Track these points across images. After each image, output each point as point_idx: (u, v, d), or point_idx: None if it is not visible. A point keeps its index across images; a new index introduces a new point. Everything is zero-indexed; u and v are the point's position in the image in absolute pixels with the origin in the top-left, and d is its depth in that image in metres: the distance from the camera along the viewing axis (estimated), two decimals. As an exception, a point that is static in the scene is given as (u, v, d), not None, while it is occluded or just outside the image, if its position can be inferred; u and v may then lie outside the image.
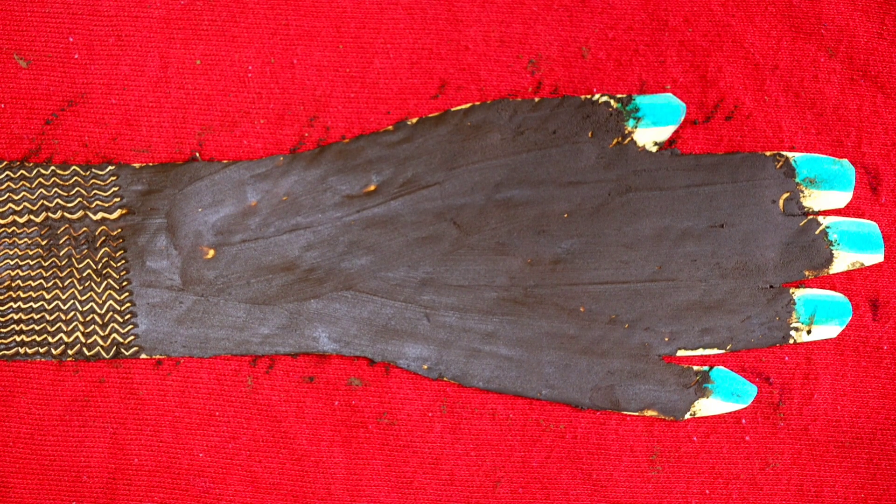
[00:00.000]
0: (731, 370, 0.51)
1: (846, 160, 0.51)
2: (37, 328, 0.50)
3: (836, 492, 0.51)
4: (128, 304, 0.50)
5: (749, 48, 0.52)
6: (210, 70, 0.52)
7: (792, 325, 0.51)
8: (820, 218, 0.51)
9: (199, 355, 0.51)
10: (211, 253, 0.51)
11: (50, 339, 0.50)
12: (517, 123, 0.51)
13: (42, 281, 0.50)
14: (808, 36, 0.52)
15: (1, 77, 0.51)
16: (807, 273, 0.51)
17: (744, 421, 0.51)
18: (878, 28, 0.52)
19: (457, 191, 0.51)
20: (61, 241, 0.51)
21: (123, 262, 0.51)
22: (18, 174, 0.51)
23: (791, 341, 0.51)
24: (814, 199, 0.51)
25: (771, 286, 0.51)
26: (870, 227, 0.51)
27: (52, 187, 0.51)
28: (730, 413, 0.51)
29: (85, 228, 0.51)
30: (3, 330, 0.50)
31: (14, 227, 0.51)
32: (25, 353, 0.50)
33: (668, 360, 0.51)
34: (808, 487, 0.51)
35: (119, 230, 0.51)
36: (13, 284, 0.50)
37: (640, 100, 0.51)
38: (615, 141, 0.51)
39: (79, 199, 0.51)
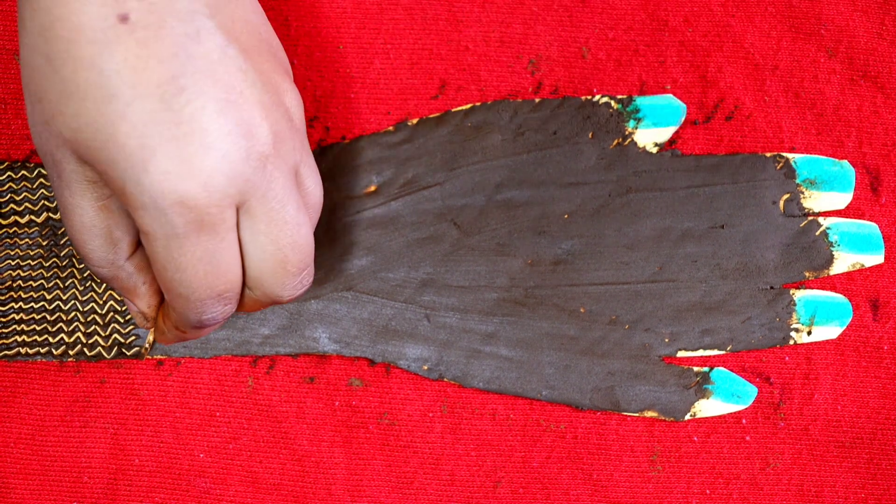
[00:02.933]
0: (732, 371, 0.51)
1: (846, 161, 0.51)
2: (38, 328, 0.50)
3: (837, 492, 0.51)
4: (128, 305, 0.51)
5: (749, 48, 0.52)
6: (210, 71, 0.52)
7: (792, 326, 0.51)
8: (820, 219, 0.51)
9: (199, 355, 0.51)
10: (211, 254, 0.51)
11: (51, 339, 0.50)
12: (518, 124, 0.51)
13: (43, 281, 0.50)
14: (808, 36, 0.52)
15: (2, 77, 0.51)
16: (807, 274, 0.51)
17: (744, 421, 0.51)
18: (878, 28, 0.52)
19: (457, 191, 0.51)
20: (62, 242, 0.51)
21: (124, 262, 0.51)
22: (20, 174, 0.51)
23: (791, 342, 0.51)
24: (814, 200, 0.51)
25: (771, 287, 0.51)
26: (870, 227, 0.51)
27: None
28: (730, 413, 0.51)
29: (86, 229, 0.51)
30: (4, 330, 0.50)
31: (15, 228, 0.51)
32: (27, 353, 0.50)
33: (669, 361, 0.51)
34: (809, 487, 0.51)
35: (120, 231, 0.51)
36: (14, 284, 0.50)
37: (641, 100, 0.51)
38: (616, 142, 0.51)
39: (79, 199, 0.51)
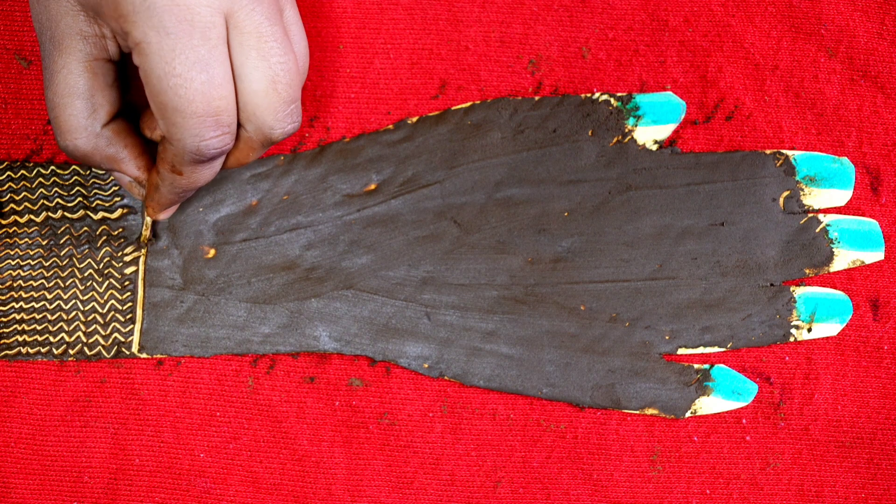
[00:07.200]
0: (732, 369, 0.51)
1: (846, 158, 0.51)
2: (38, 328, 0.50)
3: (837, 492, 0.51)
4: (129, 304, 0.51)
5: (749, 48, 0.52)
6: (211, 70, 0.52)
7: (792, 323, 0.51)
8: (820, 216, 0.51)
9: (200, 354, 0.51)
10: (212, 252, 0.51)
11: (52, 338, 0.50)
12: (517, 122, 0.51)
13: (44, 281, 0.50)
14: (808, 36, 0.52)
15: (2, 77, 0.52)
16: (807, 271, 0.51)
17: (744, 421, 0.51)
18: (878, 28, 0.52)
19: (457, 189, 0.51)
20: (62, 241, 0.51)
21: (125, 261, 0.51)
22: (19, 174, 0.51)
23: (792, 339, 0.51)
24: (814, 198, 0.51)
25: (771, 284, 0.51)
26: (870, 224, 0.51)
27: (52, 187, 0.51)
28: (730, 413, 0.51)
29: (86, 228, 0.51)
30: (5, 330, 0.50)
31: (15, 227, 0.51)
32: (27, 352, 0.50)
33: (669, 359, 0.51)
34: (809, 487, 0.51)
35: (120, 229, 0.51)
36: (15, 284, 0.50)
37: (641, 98, 0.51)
38: (615, 139, 0.51)
39: (79, 198, 0.51)
